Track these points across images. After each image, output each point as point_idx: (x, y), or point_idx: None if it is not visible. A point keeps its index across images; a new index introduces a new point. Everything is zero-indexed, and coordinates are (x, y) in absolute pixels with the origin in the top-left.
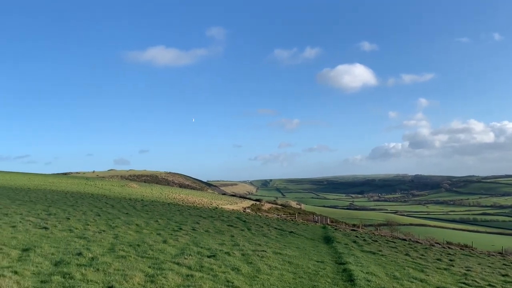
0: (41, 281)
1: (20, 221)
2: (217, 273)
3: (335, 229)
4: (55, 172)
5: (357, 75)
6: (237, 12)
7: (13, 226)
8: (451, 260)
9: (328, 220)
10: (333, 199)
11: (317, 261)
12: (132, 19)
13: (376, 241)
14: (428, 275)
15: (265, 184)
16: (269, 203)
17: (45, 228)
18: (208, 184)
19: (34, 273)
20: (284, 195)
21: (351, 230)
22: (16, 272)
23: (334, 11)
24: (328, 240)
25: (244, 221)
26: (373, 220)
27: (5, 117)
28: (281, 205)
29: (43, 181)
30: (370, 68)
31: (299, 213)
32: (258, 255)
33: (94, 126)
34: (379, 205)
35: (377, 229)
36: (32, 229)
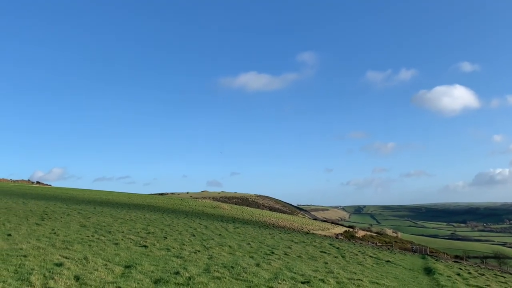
0: None
1: (122, 239)
2: None
3: (436, 260)
4: (153, 193)
5: (456, 97)
6: (328, 36)
7: (116, 244)
8: None
9: (428, 250)
10: (433, 228)
11: None
12: (226, 47)
13: (483, 274)
14: None
15: (358, 210)
16: (363, 230)
17: (145, 246)
18: (299, 208)
19: None
20: (379, 222)
21: (454, 261)
22: None
23: (430, 33)
24: (428, 271)
25: (338, 248)
26: (478, 252)
27: (111, 140)
28: (376, 232)
29: (141, 200)
30: (471, 89)
31: (395, 241)
32: (354, 284)
33: (190, 149)
34: (484, 236)
35: (483, 261)
36: (133, 246)
